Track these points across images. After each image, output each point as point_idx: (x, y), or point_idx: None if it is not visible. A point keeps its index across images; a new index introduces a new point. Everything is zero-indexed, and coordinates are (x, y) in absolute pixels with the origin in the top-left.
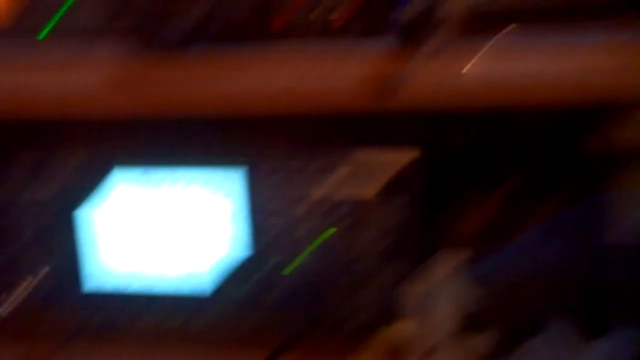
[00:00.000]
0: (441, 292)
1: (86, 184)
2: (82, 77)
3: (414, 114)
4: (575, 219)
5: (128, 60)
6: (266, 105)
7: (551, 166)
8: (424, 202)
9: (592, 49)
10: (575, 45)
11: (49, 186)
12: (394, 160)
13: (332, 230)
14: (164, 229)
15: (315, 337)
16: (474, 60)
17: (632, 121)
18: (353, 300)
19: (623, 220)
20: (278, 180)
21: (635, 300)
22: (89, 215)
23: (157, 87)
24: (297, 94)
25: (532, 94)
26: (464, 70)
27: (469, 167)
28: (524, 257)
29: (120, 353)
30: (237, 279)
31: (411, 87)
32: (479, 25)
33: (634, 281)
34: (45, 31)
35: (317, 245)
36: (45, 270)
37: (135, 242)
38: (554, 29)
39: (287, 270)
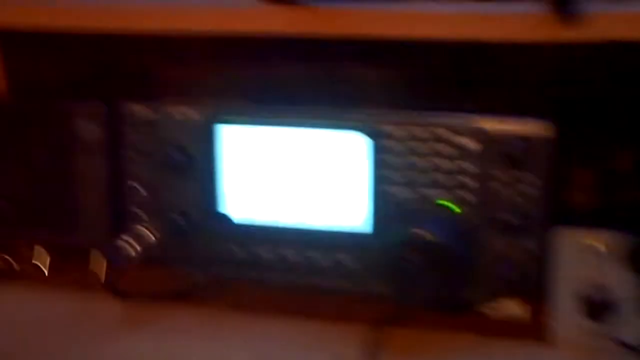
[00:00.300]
0: (561, 271)
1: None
2: None
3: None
4: None
5: None
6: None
7: None
8: (551, 178)
9: None
10: None
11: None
12: (522, 132)
13: (453, 202)
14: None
15: (423, 311)
16: None
17: None
18: (468, 276)
19: None
20: (403, 147)
21: None
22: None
23: None
24: None
25: None
26: None
27: (600, 143)
28: None
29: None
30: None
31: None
32: None
33: None
34: None
35: (437, 216)
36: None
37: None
38: None
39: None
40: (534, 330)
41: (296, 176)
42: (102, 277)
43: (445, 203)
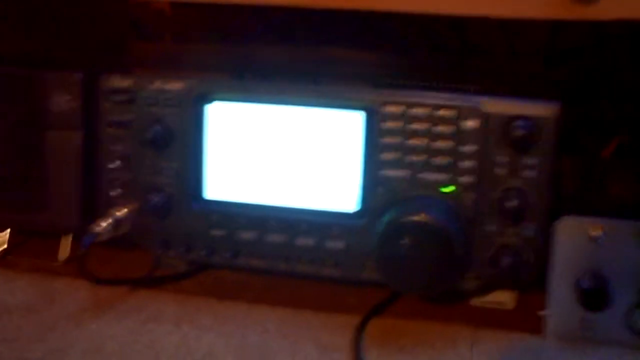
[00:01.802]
0: (559, 259)
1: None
2: None
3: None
4: None
5: None
6: None
7: None
8: (557, 163)
9: None
10: None
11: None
12: (527, 112)
13: (453, 185)
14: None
15: (412, 300)
16: None
17: None
18: (463, 262)
19: None
20: (400, 127)
21: None
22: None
23: None
24: None
25: None
26: None
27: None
28: None
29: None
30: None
31: None
32: None
33: None
34: None
35: (436, 199)
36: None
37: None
38: None
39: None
40: (527, 320)
41: (284, 156)
42: (73, 259)
43: (442, 186)
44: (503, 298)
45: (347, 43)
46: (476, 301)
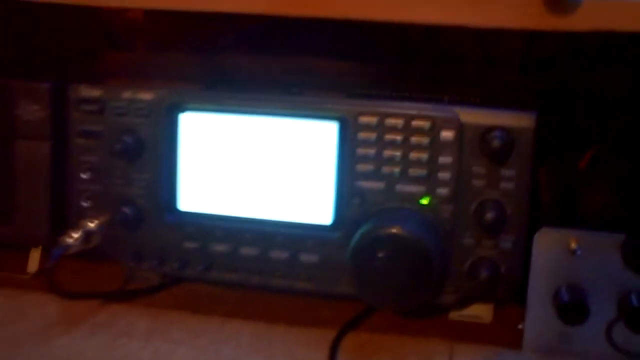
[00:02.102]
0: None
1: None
2: None
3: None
4: None
5: None
6: None
7: None
8: (533, 173)
9: None
10: None
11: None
12: (503, 123)
13: (429, 196)
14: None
15: (387, 314)
16: None
17: None
18: (439, 276)
19: None
20: (375, 137)
21: None
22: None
23: None
24: None
25: None
26: None
27: (586, 138)
28: None
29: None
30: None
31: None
32: None
33: None
34: None
35: (412, 211)
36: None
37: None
38: None
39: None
40: (505, 333)
41: (258, 167)
42: (42, 272)
43: (418, 197)
44: (480, 311)
45: (321, 52)
46: (453, 315)
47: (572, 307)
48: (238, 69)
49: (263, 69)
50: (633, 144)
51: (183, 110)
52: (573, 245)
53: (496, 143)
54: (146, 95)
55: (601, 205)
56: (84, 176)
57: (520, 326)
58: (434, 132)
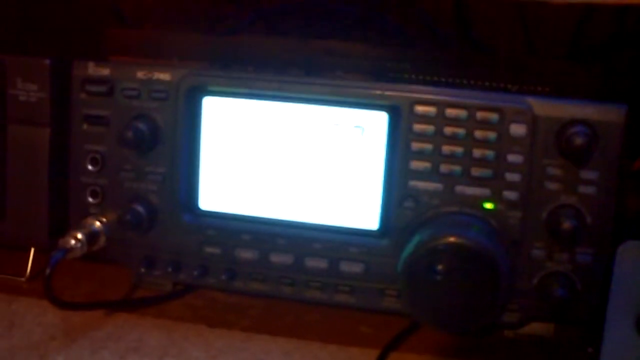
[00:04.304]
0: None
1: None
2: None
3: None
4: None
5: None
6: None
7: None
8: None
9: None
10: None
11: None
12: (585, 116)
13: (495, 201)
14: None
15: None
16: None
17: None
18: (505, 292)
19: None
20: (433, 130)
21: None
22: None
23: None
24: None
25: None
26: None
27: None
28: None
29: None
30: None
31: None
32: None
33: None
34: None
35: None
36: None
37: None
38: None
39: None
40: (567, 354)
41: (292, 162)
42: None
43: (481, 201)
44: (540, 329)
45: (343, 35)
46: (509, 332)
47: None
48: (252, 50)
49: (280, 50)
50: None
51: (206, 94)
52: None
53: (576, 140)
54: (164, 76)
55: None
56: (89, 168)
57: (590, 349)
58: (502, 125)
